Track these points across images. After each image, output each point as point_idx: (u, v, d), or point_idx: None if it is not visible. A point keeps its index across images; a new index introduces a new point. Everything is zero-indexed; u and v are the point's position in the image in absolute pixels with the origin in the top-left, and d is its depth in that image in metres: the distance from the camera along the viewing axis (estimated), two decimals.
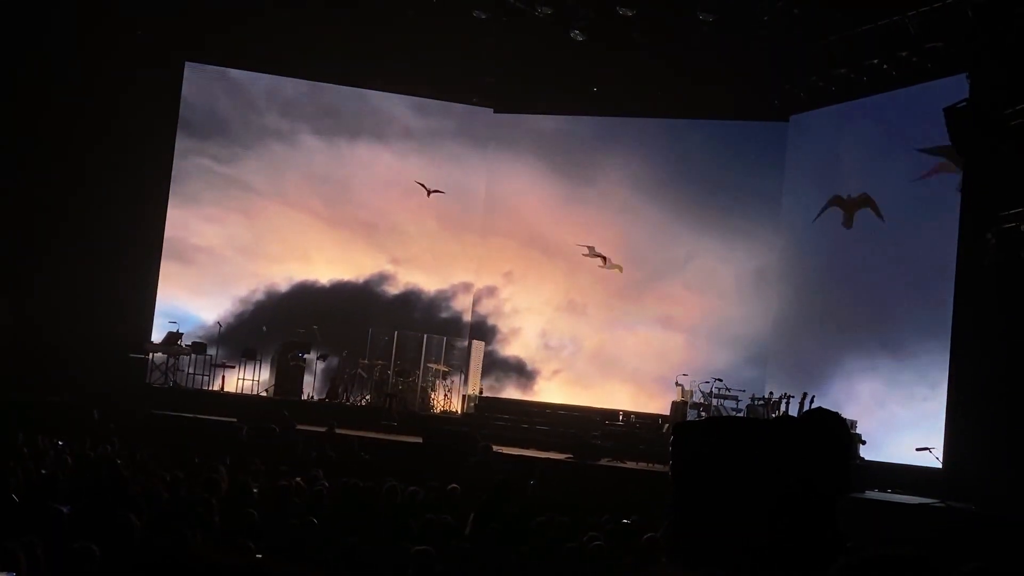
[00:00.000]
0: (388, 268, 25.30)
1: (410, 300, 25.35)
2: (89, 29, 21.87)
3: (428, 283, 25.61)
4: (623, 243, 24.75)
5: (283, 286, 24.73)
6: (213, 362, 23.20)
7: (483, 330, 25.52)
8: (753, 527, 4.42)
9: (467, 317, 25.80)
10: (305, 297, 24.68)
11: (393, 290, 25.39)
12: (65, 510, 8.83)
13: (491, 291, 25.67)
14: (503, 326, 25.58)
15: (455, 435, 19.12)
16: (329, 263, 25.05)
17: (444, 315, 25.55)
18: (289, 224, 24.81)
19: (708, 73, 22.07)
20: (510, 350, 25.44)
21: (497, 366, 25.43)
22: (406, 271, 25.45)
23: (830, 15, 20.01)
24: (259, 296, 24.56)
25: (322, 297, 24.78)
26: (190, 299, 23.87)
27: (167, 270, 23.85)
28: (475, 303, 25.77)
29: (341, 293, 24.89)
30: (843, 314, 21.38)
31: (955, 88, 17.82)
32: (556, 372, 25.04)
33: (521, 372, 25.27)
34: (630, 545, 9.63)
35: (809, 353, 21.98)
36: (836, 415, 5.16)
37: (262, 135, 24.89)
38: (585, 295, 24.99)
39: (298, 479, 12.50)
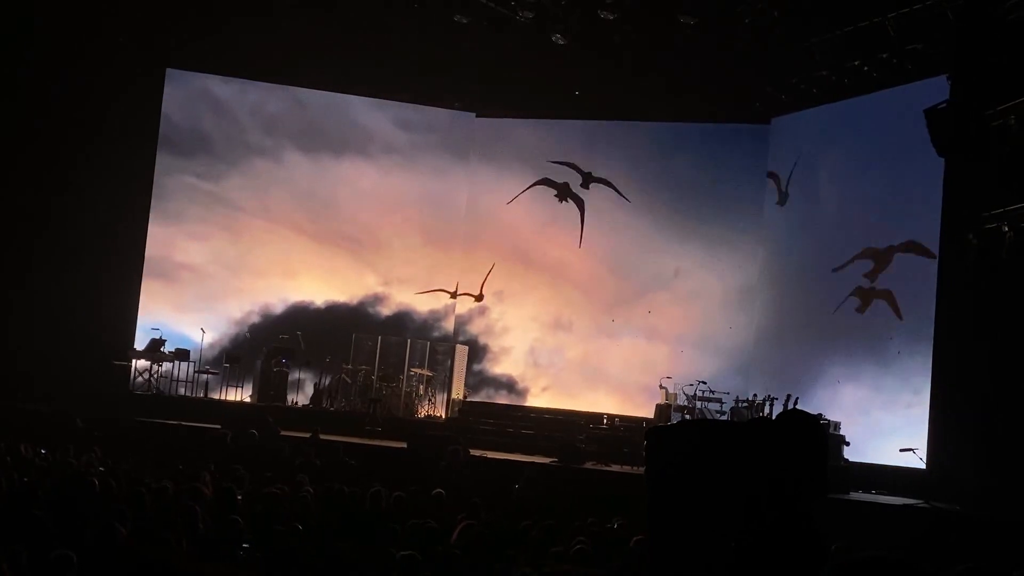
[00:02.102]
0: (381, 289, 25.28)
1: (403, 321, 25.30)
2: (71, 39, 21.81)
3: (421, 303, 25.60)
4: (610, 253, 24.78)
5: (278, 307, 24.66)
6: (197, 369, 23.12)
7: (475, 349, 25.52)
8: (730, 531, 4.41)
9: (451, 325, 25.77)
10: (300, 318, 24.54)
11: (386, 311, 25.38)
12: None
13: (482, 310, 25.63)
14: (494, 345, 25.55)
15: (440, 440, 19.10)
16: (318, 280, 25.03)
17: (436, 335, 25.49)
18: (275, 241, 24.78)
19: (690, 76, 22.11)
20: (500, 368, 25.40)
21: (488, 383, 25.40)
22: (399, 291, 25.45)
23: (810, 17, 20.06)
24: (255, 318, 24.48)
25: (317, 319, 24.68)
26: (179, 317, 23.60)
27: (156, 289, 23.79)
28: (467, 321, 25.70)
29: (335, 315, 24.79)
30: (827, 321, 21.38)
31: (936, 89, 17.89)
32: (545, 389, 24.98)
33: (512, 390, 25.23)
34: (616, 548, 9.63)
35: (793, 360, 21.96)
36: (813, 416, 5.16)
37: (246, 152, 24.83)
38: (572, 307, 24.99)
39: (283, 485, 12.47)
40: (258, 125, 24.93)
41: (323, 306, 24.94)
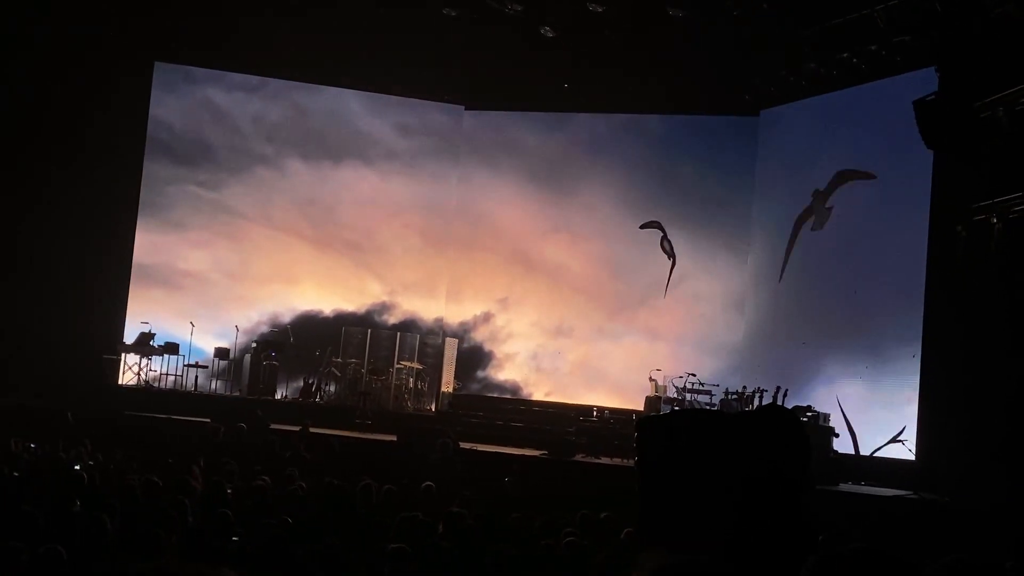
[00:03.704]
0: (387, 298, 25.30)
1: (409, 329, 25.23)
2: (59, 36, 21.80)
3: (426, 311, 25.66)
4: (605, 250, 24.81)
5: (287, 316, 24.64)
6: (186, 362, 23.08)
7: (480, 355, 25.55)
8: (718, 521, 4.43)
9: (447, 319, 25.74)
10: (307, 327, 24.52)
11: (392, 319, 25.42)
12: None
13: (487, 317, 25.62)
14: (498, 351, 25.54)
15: (430, 433, 19.09)
16: (320, 288, 25.05)
17: (439, 340, 25.47)
18: (277, 248, 24.79)
19: (679, 68, 22.13)
20: (504, 374, 25.39)
21: (492, 389, 25.37)
22: (405, 298, 25.48)
23: (799, 9, 20.08)
24: (263, 328, 24.43)
25: (324, 326, 24.64)
26: (181, 324, 23.40)
27: (157, 296, 23.75)
28: (472, 328, 25.67)
29: (343, 323, 24.71)
30: (821, 319, 21.37)
31: (925, 81, 17.92)
32: (548, 394, 24.93)
33: (516, 395, 25.18)
34: (606, 541, 9.65)
35: (790, 360, 21.91)
36: (789, 411, 5.17)
37: (248, 161, 24.82)
38: (571, 309, 24.98)
39: (273, 479, 12.46)
40: (258, 133, 24.90)
41: (331, 315, 24.94)
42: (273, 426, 19.09)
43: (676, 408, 20.46)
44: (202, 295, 24.21)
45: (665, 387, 21.68)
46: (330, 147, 25.22)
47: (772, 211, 23.08)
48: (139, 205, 23.76)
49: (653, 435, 4.92)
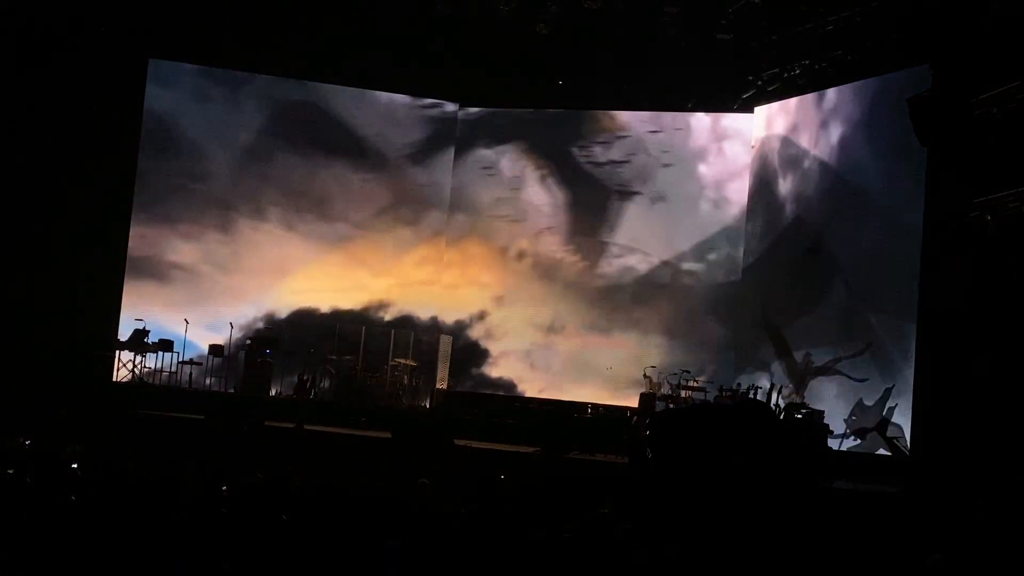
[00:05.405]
0: (383, 296, 25.26)
1: (406, 326, 25.23)
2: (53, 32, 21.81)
3: (423, 310, 25.62)
4: (600, 251, 24.85)
5: (283, 312, 24.63)
6: (180, 359, 23.03)
7: (475, 353, 25.50)
8: (726, 510, 4.46)
9: (443, 316, 25.70)
10: (305, 323, 24.53)
11: (388, 316, 25.40)
12: None
13: (482, 315, 25.60)
14: (493, 349, 25.47)
15: (424, 430, 19.11)
16: (317, 285, 24.95)
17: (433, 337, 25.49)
18: (272, 243, 24.71)
19: (674, 65, 22.17)
20: (499, 371, 25.36)
21: (486, 386, 25.36)
22: (401, 295, 25.45)
23: (794, 6, 20.10)
24: (260, 324, 24.39)
25: (320, 324, 24.60)
26: (175, 319, 23.35)
27: (150, 291, 23.73)
28: (468, 326, 25.64)
29: (340, 320, 24.68)
30: (816, 316, 21.39)
31: (920, 79, 17.95)
32: (541, 391, 24.89)
33: (510, 392, 25.17)
34: (601, 537, 9.65)
35: (785, 351, 21.95)
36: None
37: (241, 154, 24.72)
38: (565, 305, 24.98)
39: (265, 476, 12.45)
40: (251, 127, 24.80)
41: (328, 312, 24.91)
42: (267, 423, 19.09)
43: (670, 406, 20.46)
44: (196, 290, 24.14)
45: (659, 384, 21.68)
46: (323, 141, 25.12)
47: (766, 207, 23.09)
48: (133, 200, 23.69)
49: (668, 430, 4.94)
